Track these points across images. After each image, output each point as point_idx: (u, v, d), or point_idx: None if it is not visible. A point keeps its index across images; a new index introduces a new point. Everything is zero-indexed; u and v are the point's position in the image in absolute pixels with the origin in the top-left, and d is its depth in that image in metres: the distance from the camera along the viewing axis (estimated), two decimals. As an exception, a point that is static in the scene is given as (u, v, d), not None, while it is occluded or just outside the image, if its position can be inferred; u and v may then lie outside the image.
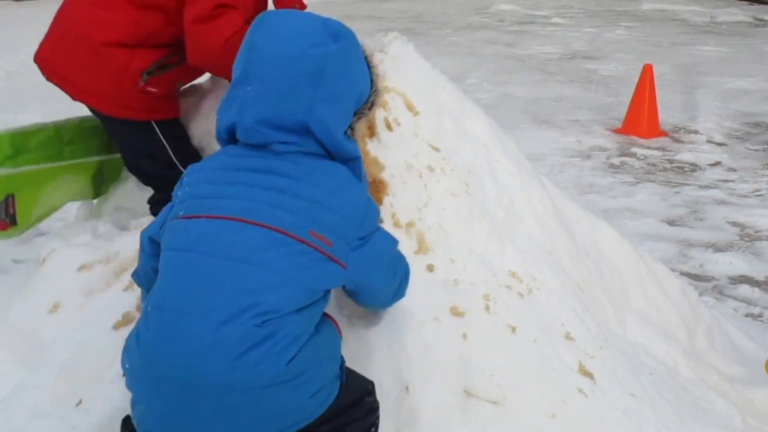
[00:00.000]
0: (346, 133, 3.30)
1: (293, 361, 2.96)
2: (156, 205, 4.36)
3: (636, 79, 9.97)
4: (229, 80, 3.44)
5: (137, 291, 3.80)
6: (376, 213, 3.29)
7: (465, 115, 4.21)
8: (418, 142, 4.04)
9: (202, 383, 2.90)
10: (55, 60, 4.27)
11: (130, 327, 3.67)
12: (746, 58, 13.13)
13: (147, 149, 4.30)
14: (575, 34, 13.76)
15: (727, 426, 3.95)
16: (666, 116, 10.00)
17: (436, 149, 4.05)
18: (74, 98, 4.24)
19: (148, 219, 4.21)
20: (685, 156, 9.03)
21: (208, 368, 2.89)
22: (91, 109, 4.30)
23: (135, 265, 3.89)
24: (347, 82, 3.27)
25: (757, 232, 7.18)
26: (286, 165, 3.18)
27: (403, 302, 3.55)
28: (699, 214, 7.48)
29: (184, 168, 4.26)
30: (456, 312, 3.62)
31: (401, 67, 4.08)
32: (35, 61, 4.40)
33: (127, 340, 3.08)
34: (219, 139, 3.32)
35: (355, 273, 3.15)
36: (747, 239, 7.01)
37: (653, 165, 8.76)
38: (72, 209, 4.86)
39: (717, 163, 8.87)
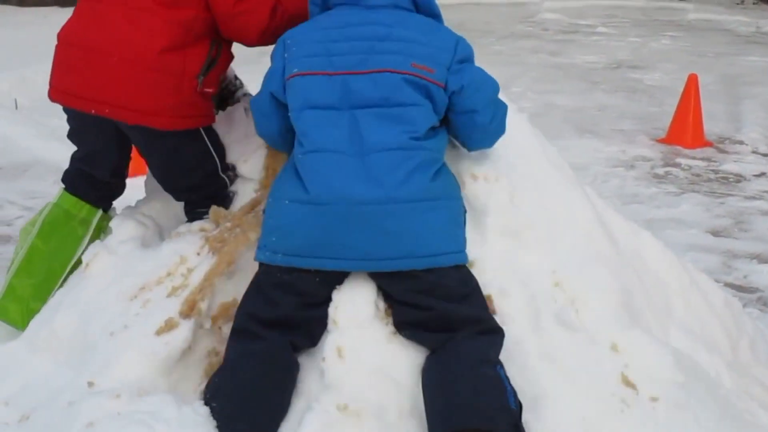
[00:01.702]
0: None
1: (435, 180, 3.62)
2: (193, 211, 4.35)
3: (681, 89, 9.92)
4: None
5: (180, 297, 3.82)
6: (469, 46, 3.89)
7: (509, 123, 4.20)
8: (463, 150, 4.04)
9: (363, 200, 3.51)
10: (98, 89, 4.10)
11: (173, 333, 3.71)
12: (793, 69, 13.05)
13: (195, 160, 4.27)
14: (620, 44, 13.72)
15: (770, 439, 3.92)
16: (711, 126, 9.95)
17: (480, 158, 4.05)
18: (131, 123, 4.10)
19: (186, 228, 4.21)
20: (730, 166, 8.98)
21: (368, 188, 3.52)
22: (139, 130, 4.16)
23: (178, 271, 3.91)
24: None
25: (802, 243, 7.12)
26: (381, 16, 3.83)
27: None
28: (744, 225, 7.43)
29: (225, 175, 4.28)
30: (500, 322, 3.62)
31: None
32: (54, 98, 4.26)
33: (276, 201, 3.69)
34: (312, 4, 3.98)
35: (455, 88, 3.75)
36: (792, 251, 6.96)
37: (698, 175, 8.71)
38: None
39: (762, 174, 8.81)
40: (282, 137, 3.93)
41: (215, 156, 4.31)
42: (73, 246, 4.48)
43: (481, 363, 3.45)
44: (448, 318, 3.54)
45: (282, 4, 4.20)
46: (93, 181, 4.51)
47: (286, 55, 3.84)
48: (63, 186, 4.56)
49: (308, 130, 3.68)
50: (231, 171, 4.38)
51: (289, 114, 3.78)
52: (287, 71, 3.80)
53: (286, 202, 3.61)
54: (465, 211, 3.80)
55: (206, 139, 4.29)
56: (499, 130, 3.95)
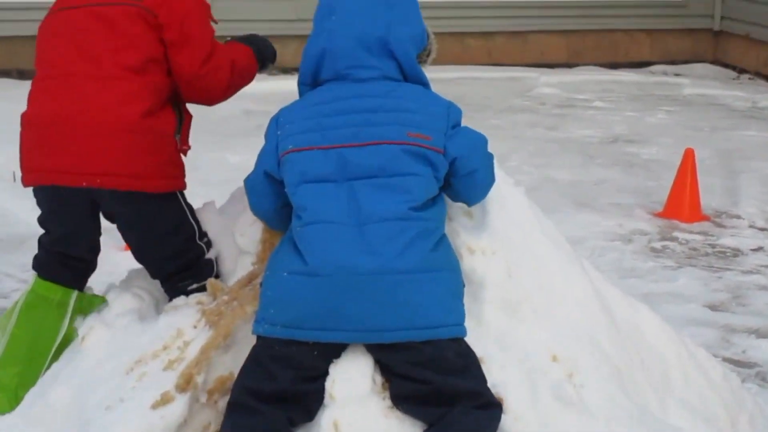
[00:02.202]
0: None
1: (435, 251, 3.62)
2: (174, 287, 4.35)
3: (677, 163, 9.92)
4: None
5: (176, 370, 3.80)
6: (459, 110, 3.91)
7: (506, 197, 4.21)
8: (459, 224, 4.05)
9: (361, 271, 3.50)
10: (85, 162, 4.10)
11: (169, 407, 3.68)
12: (789, 143, 13.05)
13: (174, 225, 4.31)
14: (616, 118, 13.72)
15: None
16: (708, 201, 9.94)
17: (477, 231, 4.05)
18: (123, 189, 4.12)
19: (182, 301, 4.20)
20: (727, 241, 8.95)
21: (366, 258, 3.52)
22: (125, 198, 4.18)
23: (174, 344, 3.89)
24: (414, 10, 3.99)
25: (800, 318, 7.10)
26: (371, 87, 3.84)
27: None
28: (741, 300, 7.40)
29: (201, 241, 4.27)
30: (497, 396, 3.60)
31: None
32: (31, 182, 4.26)
33: (274, 273, 3.67)
34: (302, 84, 3.99)
35: (455, 153, 3.76)
36: (790, 326, 6.93)
37: (695, 249, 8.69)
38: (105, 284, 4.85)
39: (759, 248, 8.79)
40: (277, 214, 3.94)
41: (192, 221, 4.33)
42: (54, 331, 4.43)
43: None
44: (446, 392, 3.53)
45: (235, 60, 4.35)
46: (68, 262, 4.47)
47: (279, 132, 3.86)
48: (35, 273, 4.53)
49: (306, 203, 3.68)
50: (207, 238, 4.39)
51: (286, 190, 3.79)
52: (281, 148, 3.81)
53: (285, 274, 3.61)
54: (464, 285, 3.79)
55: (181, 200, 4.33)
56: (492, 180, 4.01)
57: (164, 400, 3.72)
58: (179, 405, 3.71)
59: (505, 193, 4.20)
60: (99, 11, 4.21)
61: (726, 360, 6.09)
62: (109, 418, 3.72)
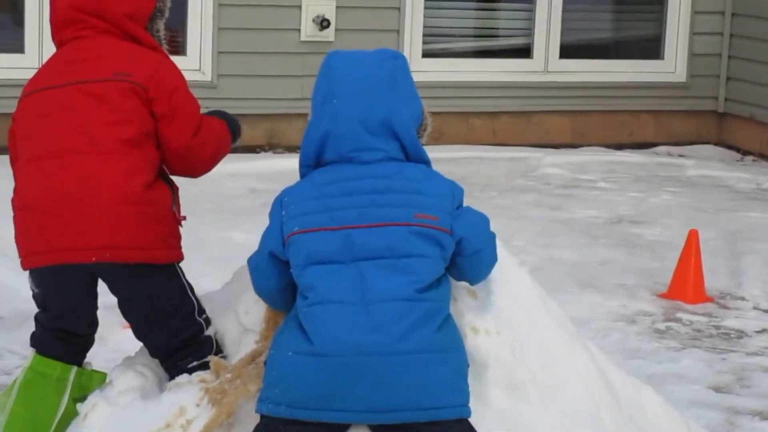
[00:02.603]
0: None
1: (440, 332, 3.62)
2: (175, 365, 4.34)
3: (681, 244, 9.91)
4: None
5: (178, 451, 3.80)
6: (462, 189, 3.95)
7: (510, 277, 4.21)
8: (463, 304, 4.05)
9: (366, 351, 3.52)
10: (92, 237, 4.11)
11: (170, 485, 3.67)
12: (793, 225, 13.03)
13: (175, 299, 4.31)
14: (621, 199, 13.73)
15: None
16: (712, 282, 9.92)
17: (482, 311, 4.05)
18: (133, 262, 4.14)
19: (185, 379, 4.19)
20: (732, 322, 8.93)
21: (371, 338, 3.53)
22: (131, 271, 4.19)
23: (177, 422, 3.88)
24: (412, 89, 4.01)
25: (806, 401, 7.06)
26: (376, 169, 3.85)
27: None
28: (746, 381, 7.37)
29: (200, 317, 4.26)
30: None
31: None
32: (35, 264, 4.23)
33: (279, 353, 3.68)
34: (305, 166, 3.97)
35: (462, 233, 3.78)
36: (796, 408, 6.90)
37: (699, 331, 8.67)
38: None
39: (764, 330, 8.77)
40: (281, 295, 3.94)
41: (192, 297, 4.33)
42: (54, 407, 4.42)
43: None
44: None
45: (219, 134, 4.44)
46: (67, 338, 4.47)
47: (283, 213, 3.87)
48: (34, 350, 4.50)
49: (313, 284, 3.69)
50: (205, 315, 4.38)
51: (292, 271, 3.80)
52: (286, 230, 3.82)
53: (290, 353, 3.62)
54: (468, 365, 3.78)
55: (180, 272, 4.34)
56: (495, 259, 4.03)
57: (166, 480, 3.70)
58: (181, 483, 3.69)
59: (509, 273, 4.21)
60: (89, 89, 4.25)
61: (730, 442, 6.06)
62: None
